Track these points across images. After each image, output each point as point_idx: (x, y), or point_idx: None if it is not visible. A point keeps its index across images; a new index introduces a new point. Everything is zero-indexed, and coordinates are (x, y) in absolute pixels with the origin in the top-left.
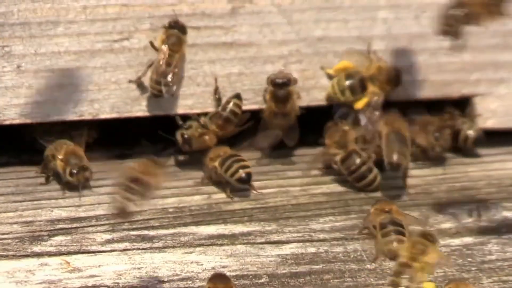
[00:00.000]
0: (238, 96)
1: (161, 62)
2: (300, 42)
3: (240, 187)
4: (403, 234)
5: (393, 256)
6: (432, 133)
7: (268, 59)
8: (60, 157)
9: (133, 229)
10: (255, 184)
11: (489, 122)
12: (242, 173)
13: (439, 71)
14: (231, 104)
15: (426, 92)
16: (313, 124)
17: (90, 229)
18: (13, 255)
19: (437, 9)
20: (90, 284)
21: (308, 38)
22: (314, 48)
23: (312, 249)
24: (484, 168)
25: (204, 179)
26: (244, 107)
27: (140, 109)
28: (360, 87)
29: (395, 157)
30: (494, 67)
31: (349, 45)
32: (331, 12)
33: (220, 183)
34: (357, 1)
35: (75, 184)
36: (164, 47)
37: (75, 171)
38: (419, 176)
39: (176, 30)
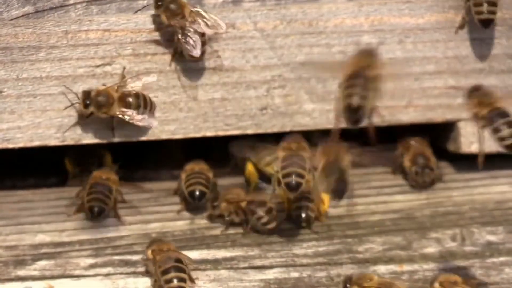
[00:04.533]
0: None
1: None
2: (283, 67)
3: (191, 202)
4: None
5: None
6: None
7: (251, 84)
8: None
9: (116, 254)
10: None
11: (473, 146)
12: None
13: (423, 96)
14: None
15: (410, 117)
16: None
17: (73, 253)
18: None
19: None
20: None
21: (291, 63)
22: (297, 73)
23: (295, 274)
24: (468, 193)
25: (181, 210)
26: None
27: (122, 134)
28: None
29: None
30: None
31: None
32: (314, 37)
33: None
34: (341, 26)
35: None
36: None
37: None
38: (402, 201)
39: None
